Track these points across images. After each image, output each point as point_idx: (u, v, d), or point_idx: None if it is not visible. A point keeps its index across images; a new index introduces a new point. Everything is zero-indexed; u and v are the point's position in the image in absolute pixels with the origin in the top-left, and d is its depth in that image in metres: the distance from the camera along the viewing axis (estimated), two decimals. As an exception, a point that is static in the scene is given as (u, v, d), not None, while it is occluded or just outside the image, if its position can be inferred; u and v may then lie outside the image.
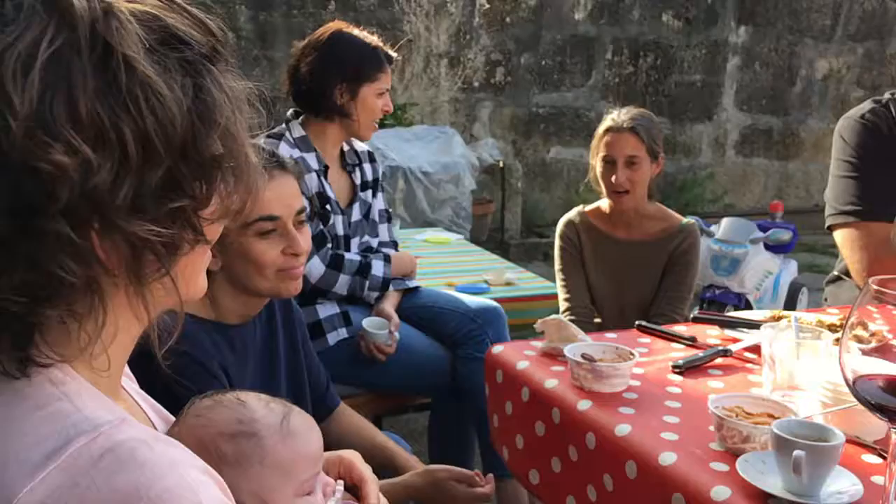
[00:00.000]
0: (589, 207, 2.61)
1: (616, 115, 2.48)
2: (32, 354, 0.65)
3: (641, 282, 2.53)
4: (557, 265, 2.62)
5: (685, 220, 2.58)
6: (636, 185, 2.45)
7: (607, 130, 2.47)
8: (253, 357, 1.60)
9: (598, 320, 2.60)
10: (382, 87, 2.40)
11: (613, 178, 2.44)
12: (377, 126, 2.51)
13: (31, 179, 0.59)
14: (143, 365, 0.83)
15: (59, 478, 0.59)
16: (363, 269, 2.36)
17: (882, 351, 1.67)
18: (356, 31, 2.42)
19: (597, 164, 2.50)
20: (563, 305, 2.58)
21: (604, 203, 2.56)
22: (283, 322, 1.71)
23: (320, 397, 1.77)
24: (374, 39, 2.43)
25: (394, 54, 2.46)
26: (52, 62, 0.59)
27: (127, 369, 0.84)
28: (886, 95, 2.26)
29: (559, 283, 2.62)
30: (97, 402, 0.66)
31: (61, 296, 0.63)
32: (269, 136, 2.35)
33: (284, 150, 2.29)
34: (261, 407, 0.95)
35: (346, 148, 2.51)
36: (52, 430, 0.61)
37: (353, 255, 2.37)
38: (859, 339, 1.72)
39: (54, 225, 0.60)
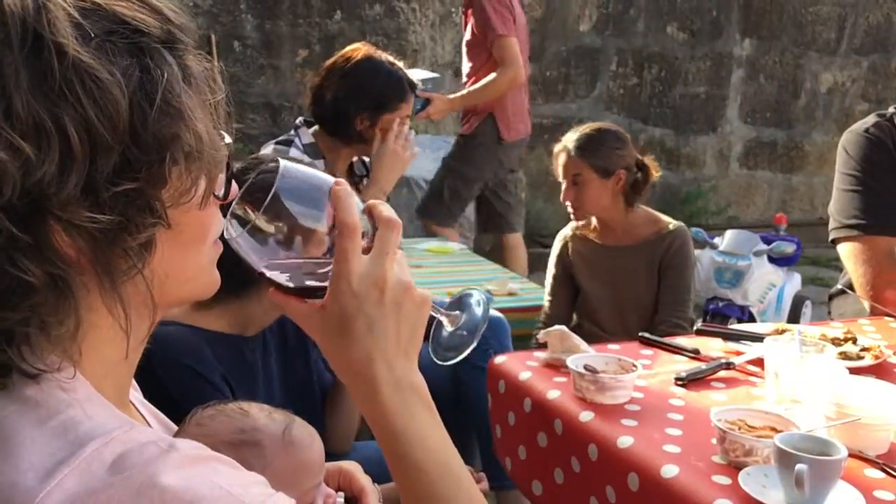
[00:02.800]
0: (579, 221, 2.71)
1: (566, 136, 2.61)
2: (13, 361, 0.63)
3: (636, 286, 2.59)
4: (547, 280, 2.76)
5: (674, 223, 2.62)
6: (585, 202, 2.56)
7: (557, 150, 2.62)
8: (263, 368, 1.61)
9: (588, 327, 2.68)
10: (403, 115, 2.44)
11: (562, 197, 2.60)
12: None
13: None
14: (144, 376, 0.83)
15: (73, 482, 0.59)
16: None
17: (878, 370, 1.67)
18: (383, 57, 2.44)
19: None
20: (542, 316, 2.71)
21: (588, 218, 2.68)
22: (295, 329, 1.72)
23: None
24: (399, 67, 2.45)
25: (421, 80, 2.49)
26: None
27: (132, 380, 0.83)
28: (891, 109, 2.26)
29: (545, 297, 2.76)
30: (107, 409, 0.66)
31: (21, 298, 0.61)
32: (278, 144, 2.37)
33: (294, 155, 2.31)
34: (263, 417, 0.95)
35: (354, 159, 2.53)
36: (64, 439, 0.61)
37: None
38: (847, 356, 1.72)
39: (6, 224, 0.59)
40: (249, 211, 0.72)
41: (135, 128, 0.63)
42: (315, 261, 0.72)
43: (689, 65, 6.82)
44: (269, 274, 0.73)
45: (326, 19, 5.80)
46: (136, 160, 0.63)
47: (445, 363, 0.84)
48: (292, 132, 2.44)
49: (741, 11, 6.88)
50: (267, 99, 5.60)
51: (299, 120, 2.47)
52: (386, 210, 0.76)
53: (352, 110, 2.35)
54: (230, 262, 1.22)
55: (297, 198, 0.71)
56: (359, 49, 2.43)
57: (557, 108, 6.52)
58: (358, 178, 2.52)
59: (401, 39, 6.01)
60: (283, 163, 0.73)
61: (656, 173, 2.62)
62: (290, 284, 0.73)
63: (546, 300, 2.75)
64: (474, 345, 0.83)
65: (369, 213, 0.75)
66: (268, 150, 2.38)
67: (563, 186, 2.59)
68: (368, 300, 0.71)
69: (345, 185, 0.73)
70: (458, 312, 0.84)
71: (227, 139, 0.73)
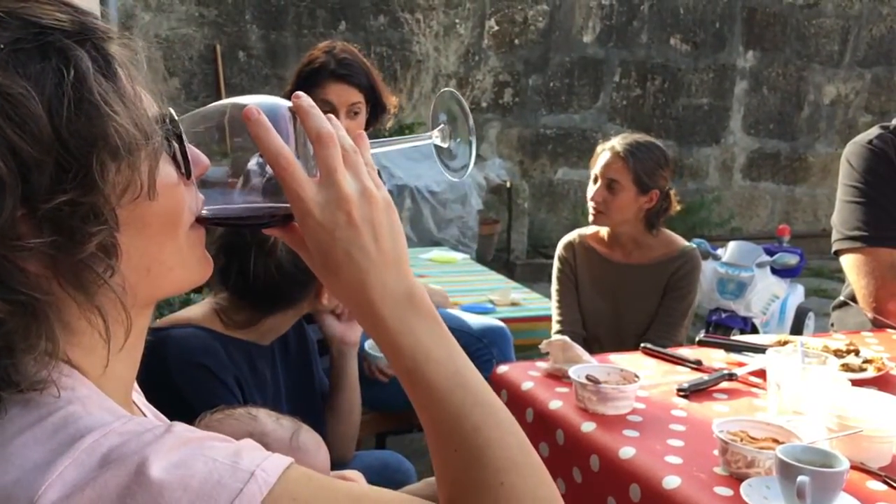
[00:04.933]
0: (588, 230, 2.64)
1: (619, 138, 2.51)
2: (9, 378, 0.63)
3: (639, 305, 2.52)
4: (553, 285, 2.65)
5: (686, 244, 2.57)
6: (612, 208, 2.46)
7: (603, 149, 2.51)
8: (271, 376, 1.63)
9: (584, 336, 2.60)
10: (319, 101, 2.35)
11: (590, 194, 2.48)
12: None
13: None
14: (157, 376, 0.84)
15: (73, 473, 0.59)
16: None
17: (880, 382, 1.67)
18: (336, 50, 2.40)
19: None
20: (554, 327, 2.61)
21: (603, 226, 2.58)
22: (297, 337, 1.73)
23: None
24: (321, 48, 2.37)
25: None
26: None
27: (135, 384, 0.84)
28: (894, 121, 2.27)
29: (553, 302, 2.65)
30: (107, 405, 0.66)
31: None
32: None
33: None
34: (271, 422, 0.96)
35: None
36: (64, 434, 0.62)
37: None
38: (849, 368, 1.72)
39: None
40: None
41: (60, 135, 0.61)
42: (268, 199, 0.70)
43: (692, 76, 6.84)
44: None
45: (331, 30, 5.83)
46: (68, 167, 0.61)
47: (466, 172, 0.81)
48: None
49: (744, 23, 6.90)
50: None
51: None
52: (313, 123, 0.70)
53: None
54: (280, 281, 1.23)
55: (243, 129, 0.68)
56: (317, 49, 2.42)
57: (561, 118, 6.54)
58: None
59: (405, 50, 6.03)
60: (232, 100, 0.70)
61: (676, 206, 2.56)
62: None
63: (555, 308, 2.64)
64: (474, 140, 0.81)
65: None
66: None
67: (596, 184, 2.48)
68: (338, 227, 0.68)
69: (305, 98, 0.70)
70: (443, 126, 0.82)
71: (172, 113, 0.70)
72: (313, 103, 0.72)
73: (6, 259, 0.60)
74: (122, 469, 0.59)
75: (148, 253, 0.68)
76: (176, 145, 0.69)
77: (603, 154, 2.49)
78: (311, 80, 2.32)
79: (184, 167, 0.69)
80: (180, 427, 0.64)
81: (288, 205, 0.69)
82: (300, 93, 0.72)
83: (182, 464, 0.60)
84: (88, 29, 0.64)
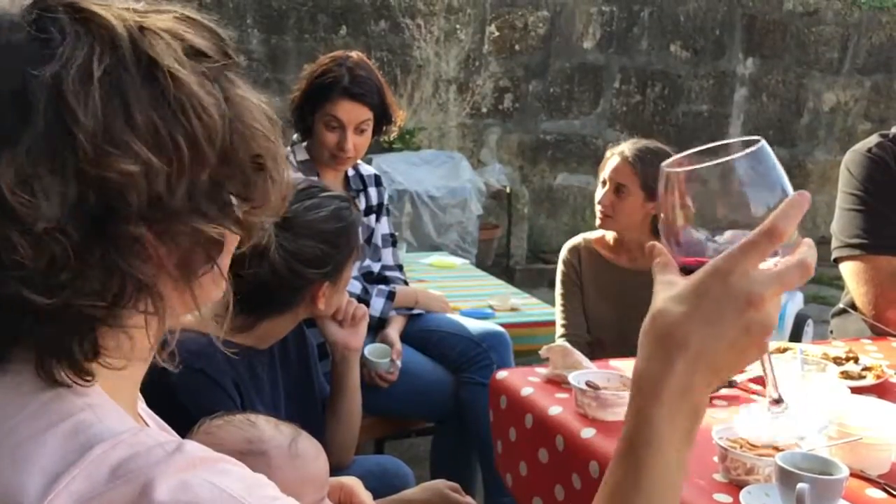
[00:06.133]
0: (593, 235, 2.62)
1: (628, 143, 2.51)
2: (91, 363, 0.66)
3: (643, 311, 2.50)
4: (558, 290, 2.63)
5: None
6: (619, 213, 2.45)
7: (612, 153, 2.51)
8: (270, 381, 1.62)
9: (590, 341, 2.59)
10: (329, 116, 2.31)
11: (597, 198, 2.48)
12: (338, 162, 2.39)
13: (104, 188, 0.62)
14: (154, 383, 0.84)
15: (81, 484, 0.60)
16: None
17: (880, 390, 1.67)
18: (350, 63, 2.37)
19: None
20: (559, 331, 2.59)
21: (608, 231, 2.57)
22: (296, 343, 1.73)
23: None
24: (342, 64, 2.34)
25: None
26: (106, 78, 0.63)
27: None
28: (893, 129, 2.27)
29: (558, 308, 2.63)
30: (118, 414, 0.67)
31: (134, 297, 0.66)
32: None
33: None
34: (270, 428, 0.96)
35: (351, 173, 2.51)
36: (75, 442, 0.62)
37: (352, 287, 2.34)
38: (848, 376, 1.72)
39: (130, 228, 0.64)
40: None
41: (226, 148, 0.68)
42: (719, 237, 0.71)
43: (691, 83, 6.85)
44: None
45: (332, 34, 5.84)
46: (227, 177, 0.69)
47: None
48: (288, 148, 2.43)
49: (744, 31, 6.91)
50: (272, 103, 5.61)
51: (296, 136, 2.47)
52: (808, 255, 0.71)
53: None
54: (273, 284, 1.24)
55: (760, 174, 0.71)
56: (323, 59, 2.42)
57: (561, 124, 6.54)
58: (355, 193, 2.50)
59: (405, 55, 6.04)
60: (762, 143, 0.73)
61: None
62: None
63: (559, 313, 2.61)
64: None
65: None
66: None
67: (604, 188, 2.47)
68: (732, 302, 0.68)
69: (807, 197, 0.71)
70: None
71: None
72: None
73: (146, 237, 0.65)
74: (129, 487, 0.60)
75: (225, 259, 0.75)
76: None
77: (612, 158, 2.49)
78: (322, 93, 2.32)
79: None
80: (191, 446, 0.65)
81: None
82: None
83: (188, 489, 0.61)
84: (232, 63, 0.74)
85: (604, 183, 2.48)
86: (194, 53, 0.69)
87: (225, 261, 0.75)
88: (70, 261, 0.62)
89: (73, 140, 0.61)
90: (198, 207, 0.67)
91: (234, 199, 0.69)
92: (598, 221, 2.52)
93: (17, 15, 0.65)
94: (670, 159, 0.79)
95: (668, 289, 0.73)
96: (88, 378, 0.66)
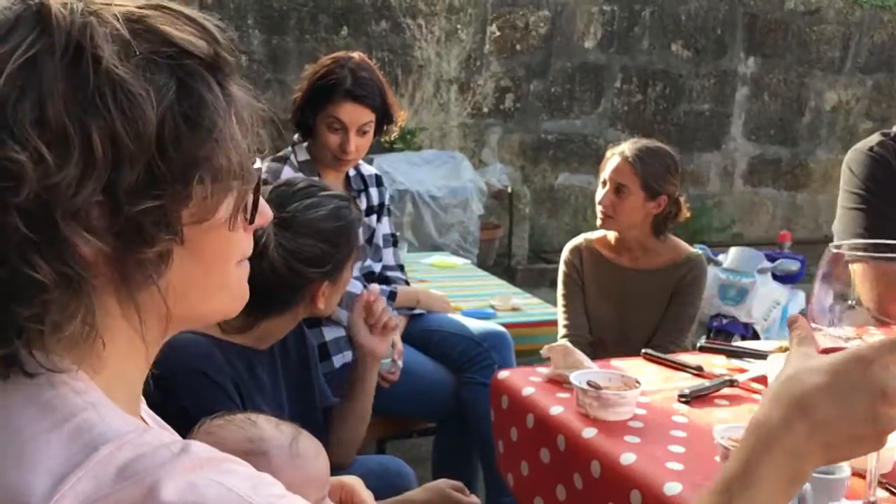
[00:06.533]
0: (595, 235, 2.62)
1: (628, 143, 2.51)
2: (18, 356, 0.65)
3: (645, 311, 2.52)
4: (559, 290, 2.63)
5: (692, 250, 2.57)
6: (619, 213, 2.45)
7: (612, 153, 2.51)
8: (271, 381, 1.62)
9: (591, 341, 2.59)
10: (332, 118, 2.30)
11: (598, 198, 2.48)
12: (342, 164, 2.38)
13: None
14: (157, 382, 0.84)
15: (87, 486, 0.60)
16: None
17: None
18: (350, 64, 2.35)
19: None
20: (561, 331, 2.59)
21: (610, 231, 2.57)
22: (296, 342, 1.73)
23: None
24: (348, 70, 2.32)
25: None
26: (26, 66, 0.62)
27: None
28: (895, 128, 2.27)
29: (559, 308, 2.63)
30: (119, 413, 0.67)
31: (33, 294, 0.63)
32: (273, 160, 2.37)
33: (288, 174, 2.30)
34: (271, 428, 0.96)
35: (352, 173, 2.51)
36: (80, 441, 0.62)
37: (353, 287, 2.33)
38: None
39: (12, 220, 0.61)
40: None
41: (163, 144, 0.64)
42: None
43: (693, 82, 6.85)
44: None
45: (333, 35, 5.84)
46: (161, 176, 0.65)
47: None
48: (289, 149, 2.43)
49: (745, 30, 6.91)
50: (273, 114, 5.62)
51: (296, 136, 2.46)
52: None
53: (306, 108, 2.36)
54: (272, 283, 1.24)
55: None
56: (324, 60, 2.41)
57: (562, 124, 6.54)
58: (356, 193, 2.50)
59: (406, 55, 6.04)
60: None
61: (686, 214, 2.55)
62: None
63: (561, 313, 2.62)
64: None
65: None
66: (262, 166, 2.35)
67: (604, 189, 2.48)
68: (867, 390, 0.69)
69: None
70: None
71: (258, 164, 0.74)
72: None
73: (65, 235, 0.63)
74: (136, 489, 0.60)
75: (193, 275, 0.71)
76: (252, 193, 0.74)
77: (612, 158, 2.49)
78: (325, 95, 2.32)
79: (250, 214, 0.74)
80: (197, 446, 0.65)
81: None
82: None
83: (195, 489, 0.61)
84: (220, 62, 0.69)
85: (604, 183, 2.49)
86: (164, 46, 0.66)
87: (183, 280, 0.70)
88: None
89: None
90: (116, 208, 0.64)
91: (163, 202, 0.65)
92: (598, 222, 2.52)
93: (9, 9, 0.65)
94: (838, 242, 0.81)
95: (805, 359, 0.74)
96: (9, 370, 0.65)
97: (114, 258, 0.66)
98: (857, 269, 2.54)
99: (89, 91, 0.62)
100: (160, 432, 0.66)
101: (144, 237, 0.65)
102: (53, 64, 0.62)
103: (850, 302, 0.74)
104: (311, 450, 0.98)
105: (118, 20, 0.65)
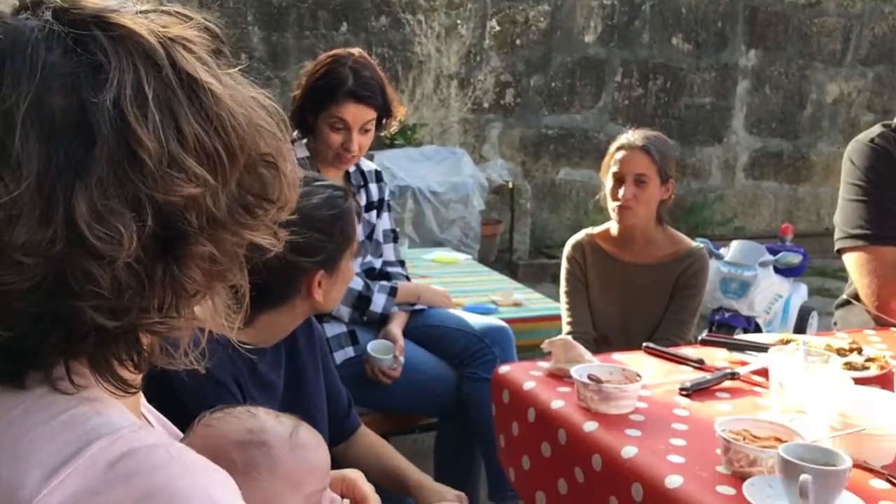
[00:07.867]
0: (597, 229, 2.62)
1: (630, 134, 2.50)
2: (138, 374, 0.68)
3: (648, 305, 2.52)
4: (563, 287, 2.63)
5: (694, 244, 2.57)
6: (642, 203, 2.44)
7: (619, 148, 2.48)
8: (276, 379, 1.61)
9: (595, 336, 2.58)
10: (335, 118, 2.30)
11: (620, 194, 2.44)
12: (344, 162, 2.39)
13: (170, 212, 0.62)
14: (158, 379, 0.84)
15: (77, 481, 0.60)
16: (361, 303, 2.36)
17: (883, 381, 1.67)
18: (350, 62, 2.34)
19: (607, 181, 2.50)
20: (565, 328, 2.58)
21: (612, 225, 2.56)
22: (306, 340, 1.72)
23: (341, 419, 1.77)
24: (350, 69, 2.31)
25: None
26: (157, 99, 0.63)
27: None
28: (896, 120, 2.27)
29: (563, 304, 2.63)
30: (115, 409, 0.67)
31: (181, 306, 0.67)
32: None
33: None
34: (270, 419, 0.96)
35: (351, 169, 2.51)
36: (72, 434, 0.63)
37: (354, 284, 2.34)
38: (852, 366, 1.71)
39: (192, 248, 0.64)
40: None
41: (250, 151, 0.68)
42: None
43: (694, 76, 6.83)
44: None
45: (333, 31, 5.83)
46: (255, 180, 0.69)
47: None
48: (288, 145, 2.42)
49: (746, 23, 6.89)
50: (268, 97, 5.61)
51: (295, 133, 2.46)
52: None
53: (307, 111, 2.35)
54: (270, 275, 1.25)
55: None
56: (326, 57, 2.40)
57: (563, 118, 6.54)
58: (356, 189, 2.49)
59: (406, 51, 6.03)
60: None
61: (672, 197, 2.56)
62: None
63: (565, 310, 2.61)
64: None
65: None
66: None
67: (621, 185, 2.44)
68: None
69: None
70: None
71: None
72: None
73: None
74: (126, 492, 0.60)
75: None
76: None
77: (622, 152, 2.46)
78: (327, 95, 2.32)
79: None
80: (190, 453, 0.65)
81: None
82: None
83: (183, 496, 0.61)
84: (225, 56, 0.73)
85: (617, 178, 2.45)
86: (213, 60, 0.68)
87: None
88: (141, 286, 0.63)
89: (141, 166, 0.60)
90: (235, 217, 0.67)
91: (254, 202, 0.69)
92: (614, 216, 2.50)
93: (38, 27, 0.61)
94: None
95: None
96: (132, 389, 0.67)
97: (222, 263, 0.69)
98: (856, 261, 2.54)
99: (209, 114, 0.66)
100: (157, 430, 0.67)
101: (257, 241, 0.72)
102: (176, 94, 0.64)
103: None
104: (312, 440, 0.98)
105: (184, 40, 0.67)
